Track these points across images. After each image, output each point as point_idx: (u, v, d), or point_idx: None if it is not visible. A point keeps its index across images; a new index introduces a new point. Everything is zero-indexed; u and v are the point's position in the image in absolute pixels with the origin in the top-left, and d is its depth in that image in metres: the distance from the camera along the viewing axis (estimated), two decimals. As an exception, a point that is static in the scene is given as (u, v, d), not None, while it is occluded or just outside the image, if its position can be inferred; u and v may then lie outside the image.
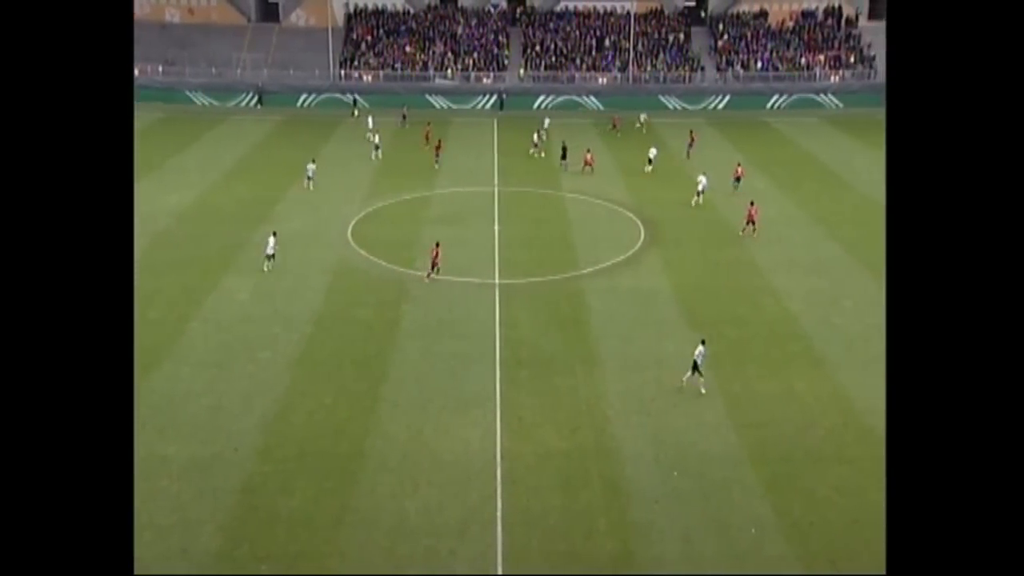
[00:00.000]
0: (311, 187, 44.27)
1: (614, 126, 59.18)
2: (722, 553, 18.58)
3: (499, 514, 19.63)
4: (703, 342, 25.62)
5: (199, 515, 19.28)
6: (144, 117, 60.82)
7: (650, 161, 49.75)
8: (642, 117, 59.03)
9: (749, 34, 73.65)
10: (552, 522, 19.48)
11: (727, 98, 68.57)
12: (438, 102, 67.40)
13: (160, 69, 67.51)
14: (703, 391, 24.96)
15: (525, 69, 70.10)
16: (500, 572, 17.91)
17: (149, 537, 18.51)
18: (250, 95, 66.72)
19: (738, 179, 45.83)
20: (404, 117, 61.61)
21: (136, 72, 66.89)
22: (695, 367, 24.93)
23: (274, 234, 33.87)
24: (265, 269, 33.43)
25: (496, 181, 47.44)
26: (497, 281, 33.32)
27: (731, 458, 21.99)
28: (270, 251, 33.42)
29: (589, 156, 48.95)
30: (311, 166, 45.05)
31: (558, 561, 18.33)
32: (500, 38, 72.83)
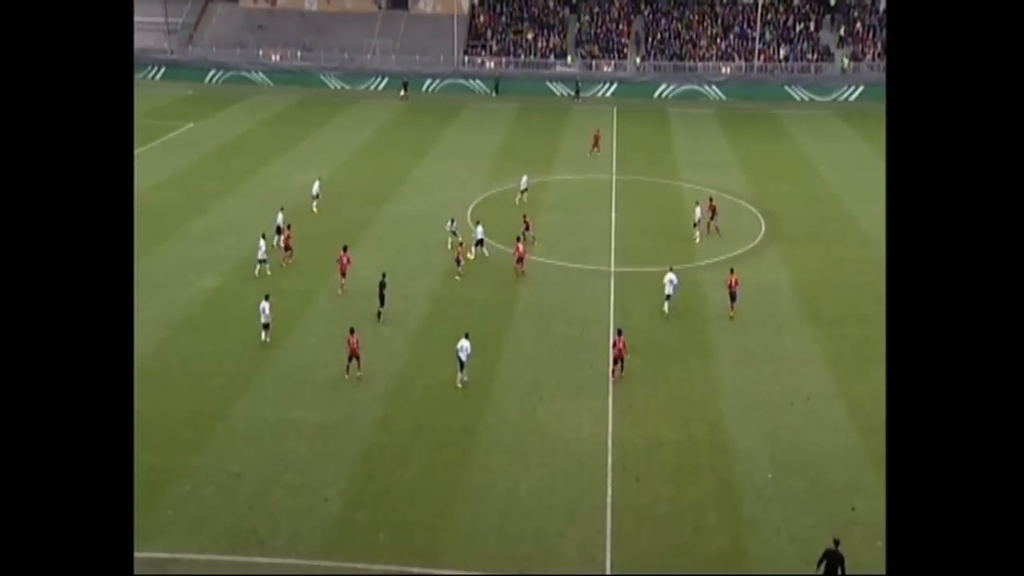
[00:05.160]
0: (315, 207, 37.98)
1: (595, 144, 49.30)
2: (840, 559, 17.71)
3: (609, 500, 19.43)
4: (671, 268, 28.83)
5: (323, 478, 19.99)
6: (283, 100, 63.54)
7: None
8: (523, 182, 40.57)
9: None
10: (661, 512, 19.12)
11: (859, 89, 64.89)
12: (558, 89, 67.08)
13: (299, 55, 70.08)
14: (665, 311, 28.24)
15: (646, 58, 68.76)
16: (609, 558, 17.72)
17: (279, 495, 19.36)
18: (380, 79, 68.31)
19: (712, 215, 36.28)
20: (405, 88, 64.82)
21: (277, 57, 69.96)
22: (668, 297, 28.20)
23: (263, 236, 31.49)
24: (256, 274, 31.07)
25: (614, 169, 46.83)
26: (612, 269, 32.91)
27: (852, 461, 20.95)
28: (262, 255, 31.28)
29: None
30: (316, 184, 38.90)
31: (667, 552, 17.97)
32: (622, 26, 71.70)
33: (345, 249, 30.39)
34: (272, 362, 25.35)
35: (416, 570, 17.32)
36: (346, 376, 24.29)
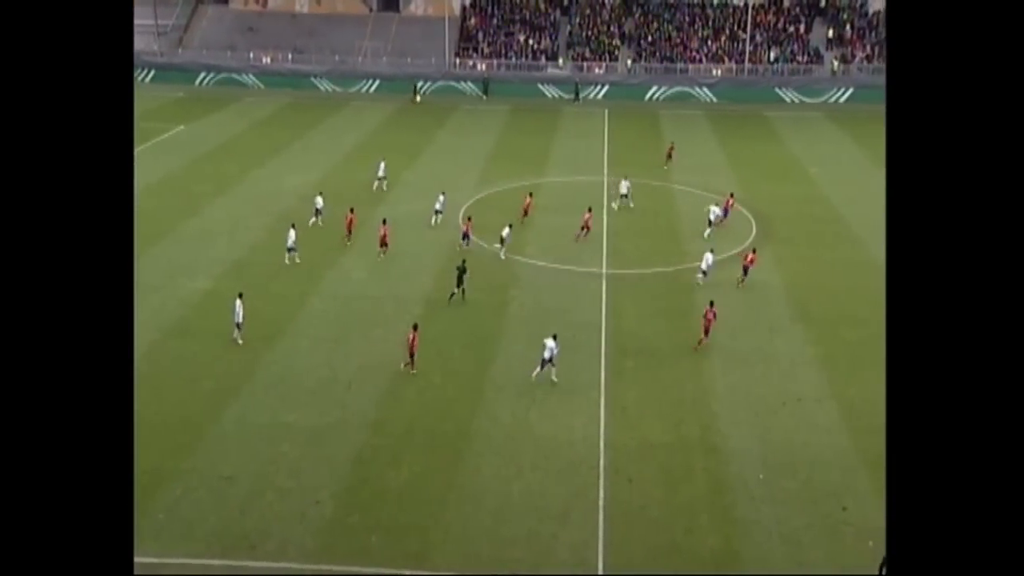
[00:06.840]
0: (384, 187, 42.07)
1: (669, 156, 49.16)
2: (832, 560, 17.79)
3: (601, 502, 19.44)
4: (712, 251, 31.01)
5: (315, 481, 19.93)
6: (274, 102, 63.40)
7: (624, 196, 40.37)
8: (623, 187, 40.67)
9: (877, 23, 69.91)
10: (654, 514, 19.14)
11: (849, 91, 65.33)
12: (549, 91, 67.15)
13: (290, 57, 69.91)
14: (699, 281, 30.64)
15: (637, 60, 68.92)
16: (601, 559, 17.74)
17: (271, 498, 19.30)
18: (371, 81, 68.24)
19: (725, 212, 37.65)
20: (415, 91, 65.65)
21: (268, 60, 69.77)
22: (704, 272, 30.57)
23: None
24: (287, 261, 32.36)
25: (606, 171, 46.91)
26: (604, 271, 32.95)
27: (844, 462, 21.04)
28: (291, 244, 32.33)
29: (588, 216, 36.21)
30: (383, 164, 42.77)
31: (659, 553, 18.00)
32: (612, 28, 71.88)
33: (384, 222, 33.98)
34: (264, 365, 25.27)
35: (408, 572, 17.29)
36: (402, 367, 24.77)
